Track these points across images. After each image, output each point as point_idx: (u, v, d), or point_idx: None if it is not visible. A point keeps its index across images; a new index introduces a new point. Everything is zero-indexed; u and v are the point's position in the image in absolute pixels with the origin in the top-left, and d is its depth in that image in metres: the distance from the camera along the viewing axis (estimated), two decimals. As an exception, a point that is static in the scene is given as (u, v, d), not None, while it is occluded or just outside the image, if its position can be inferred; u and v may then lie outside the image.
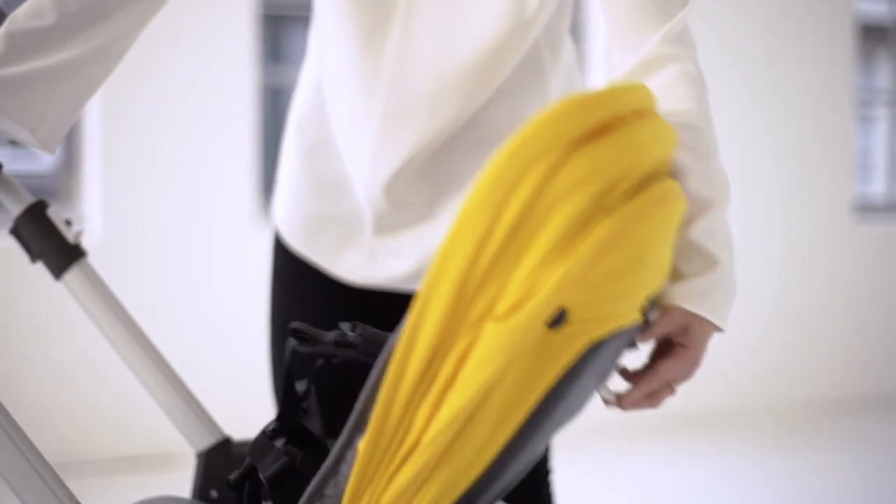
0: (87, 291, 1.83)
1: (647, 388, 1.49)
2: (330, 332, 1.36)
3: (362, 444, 1.23)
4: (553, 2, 1.79)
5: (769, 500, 4.79)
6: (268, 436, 1.49)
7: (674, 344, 1.49)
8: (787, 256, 6.24)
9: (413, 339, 1.21)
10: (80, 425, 4.93)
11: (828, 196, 6.36)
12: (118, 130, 5.01)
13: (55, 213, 1.84)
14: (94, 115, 5.00)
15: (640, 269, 1.30)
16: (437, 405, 1.22)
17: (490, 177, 1.20)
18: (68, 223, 1.85)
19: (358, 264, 1.97)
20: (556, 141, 1.21)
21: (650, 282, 1.34)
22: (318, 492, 1.27)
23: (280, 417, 1.55)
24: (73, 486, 1.43)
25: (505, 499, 1.47)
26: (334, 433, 1.38)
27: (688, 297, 1.48)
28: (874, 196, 7.09)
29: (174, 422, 1.84)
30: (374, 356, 1.29)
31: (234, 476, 1.53)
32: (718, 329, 1.51)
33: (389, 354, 1.23)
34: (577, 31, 5.93)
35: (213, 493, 1.80)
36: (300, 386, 1.56)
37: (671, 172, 1.42)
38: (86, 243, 1.90)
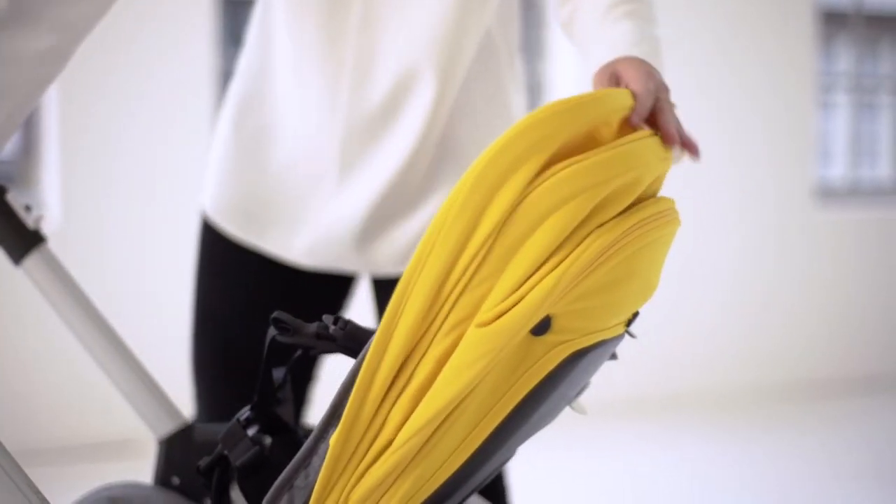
0: (47, 277, 1.81)
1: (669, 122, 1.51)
2: (311, 324, 1.35)
3: (333, 438, 1.22)
4: None
5: (728, 484, 4.82)
6: (241, 424, 1.48)
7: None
8: (747, 241, 6.26)
9: (387, 336, 1.20)
10: (39, 413, 4.90)
11: (789, 180, 6.38)
12: (77, 116, 4.98)
13: (14, 199, 1.82)
14: (53, 101, 4.96)
15: (630, 284, 1.29)
16: (413, 405, 1.21)
17: (473, 175, 1.19)
18: (28, 209, 1.83)
19: (310, 246, 1.98)
20: (542, 144, 1.20)
21: (638, 297, 1.34)
22: (288, 482, 1.26)
23: (255, 406, 1.54)
24: (32, 473, 1.42)
25: None
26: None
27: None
28: (834, 180, 7.12)
29: (135, 408, 1.83)
30: (354, 350, 1.29)
31: (203, 462, 1.53)
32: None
33: (366, 350, 1.22)
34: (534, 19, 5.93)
35: (175, 480, 1.79)
36: (277, 374, 1.56)
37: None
38: (45, 229, 1.89)
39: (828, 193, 6.82)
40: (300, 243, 2.00)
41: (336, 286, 2.09)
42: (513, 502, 2.11)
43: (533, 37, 6.02)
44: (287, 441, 1.54)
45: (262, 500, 1.27)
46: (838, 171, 7.34)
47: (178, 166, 5.14)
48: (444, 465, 1.25)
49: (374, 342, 1.20)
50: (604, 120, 1.30)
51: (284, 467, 1.27)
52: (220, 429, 1.53)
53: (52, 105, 4.98)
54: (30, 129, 5.14)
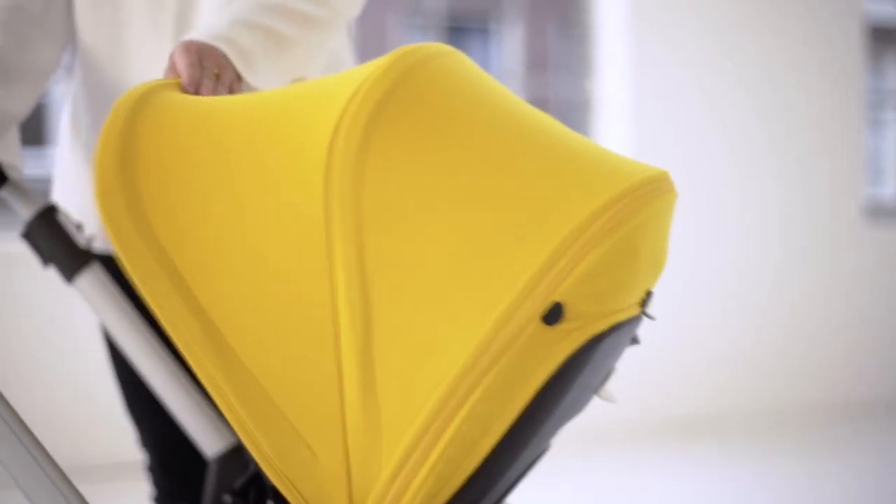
0: (99, 295, 1.83)
1: None
2: None
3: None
4: None
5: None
6: None
7: None
8: (794, 259, 6.23)
9: None
10: (89, 429, 4.93)
11: (838, 198, 6.35)
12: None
13: (65, 218, 1.84)
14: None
15: (636, 261, 1.30)
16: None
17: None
18: (79, 227, 1.85)
19: None
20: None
21: (648, 274, 1.34)
22: None
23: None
24: (83, 490, 1.43)
25: None
26: None
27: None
28: (885, 198, 7.08)
29: (187, 427, 1.83)
30: None
31: (238, 482, 1.54)
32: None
33: None
34: (583, 35, 5.94)
35: (227, 498, 1.80)
36: None
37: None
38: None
39: (878, 211, 6.78)
40: None
41: None
42: None
43: (580, 54, 6.02)
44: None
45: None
46: (889, 189, 7.30)
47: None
48: (464, 459, 1.26)
49: None
50: (149, 97, 1.42)
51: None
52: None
53: (103, 123, 5.02)
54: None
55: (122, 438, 5.00)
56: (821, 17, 6.19)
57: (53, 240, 1.82)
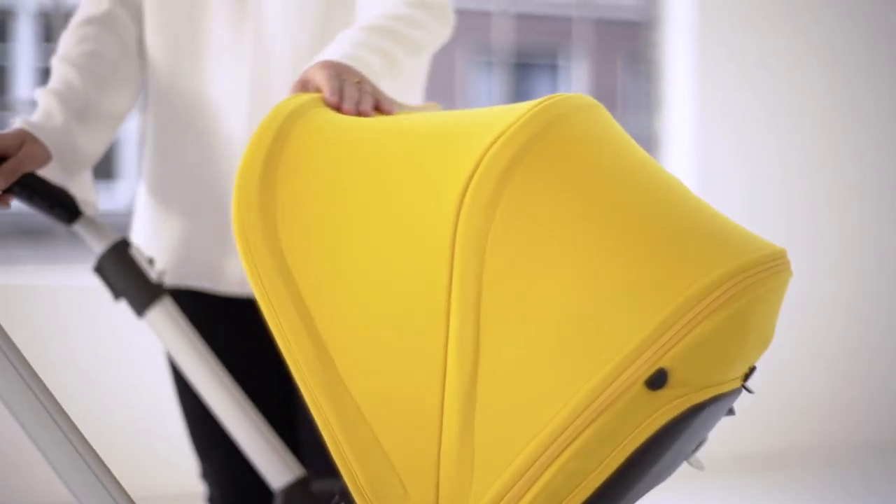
0: (169, 329, 1.85)
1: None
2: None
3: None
4: None
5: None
6: None
7: None
8: (864, 296, 6.17)
9: None
10: (154, 461, 4.96)
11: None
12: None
13: (137, 252, 1.87)
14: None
15: (745, 336, 1.29)
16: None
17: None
18: (151, 262, 1.87)
19: (241, 274, 1.99)
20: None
21: (754, 350, 1.34)
22: None
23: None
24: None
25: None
26: None
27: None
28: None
29: (253, 458, 1.85)
30: None
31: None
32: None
33: None
34: (651, 72, 5.93)
35: (292, 530, 1.81)
36: None
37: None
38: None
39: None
40: (233, 271, 2.03)
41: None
42: None
43: (647, 90, 6.02)
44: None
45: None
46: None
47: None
48: None
49: None
50: (295, 118, 1.44)
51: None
52: (336, 481, 1.55)
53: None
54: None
55: (181, 471, 5.03)
56: (892, 51, 6.15)
57: (125, 274, 1.85)
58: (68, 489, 1.44)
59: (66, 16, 2.07)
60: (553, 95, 1.36)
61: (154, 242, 2.01)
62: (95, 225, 1.89)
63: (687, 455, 1.40)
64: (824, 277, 5.99)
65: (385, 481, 1.30)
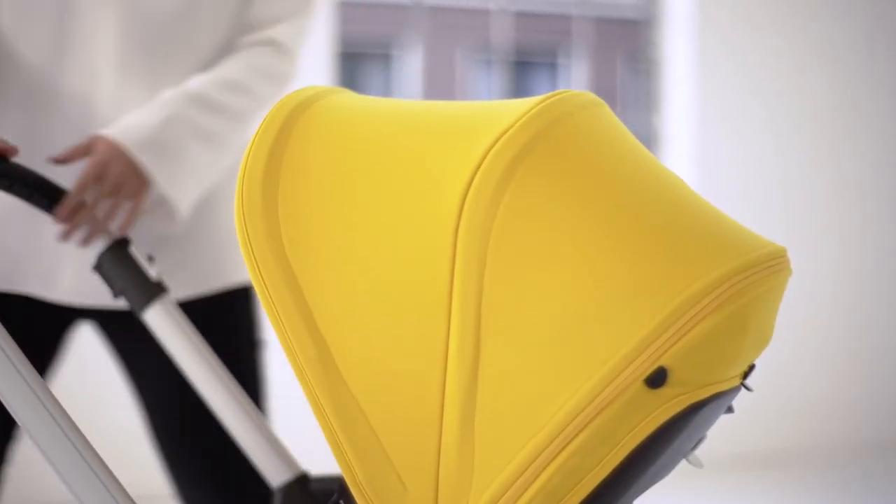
0: (168, 327, 1.85)
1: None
2: None
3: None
4: None
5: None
6: None
7: None
8: (865, 294, 6.18)
9: None
10: (154, 459, 4.96)
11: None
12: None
13: (137, 250, 1.87)
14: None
15: (745, 335, 1.29)
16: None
17: None
18: (150, 259, 1.88)
19: (74, 283, 2.02)
20: None
21: (753, 348, 1.34)
22: None
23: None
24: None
25: None
26: None
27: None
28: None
29: (253, 456, 1.85)
30: None
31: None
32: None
33: None
34: (649, 70, 5.94)
35: (292, 528, 1.81)
36: None
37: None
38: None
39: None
40: (65, 280, 2.04)
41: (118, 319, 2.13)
42: None
43: (647, 88, 6.02)
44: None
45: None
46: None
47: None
48: None
49: None
50: (299, 112, 1.43)
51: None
52: (334, 478, 1.55)
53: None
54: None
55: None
56: (891, 51, 6.16)
57: (125, 272, 1.85)
58: (67, 487, 1.44)
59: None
60: (557, 92, 1.36)
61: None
62: (94, 223, 1.89)
63: (686, 453, 1.41)
64: (823, 276, 6.00)
65: (384, 479, 1.30)
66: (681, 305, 1.24)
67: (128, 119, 1.89)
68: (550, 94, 1.35)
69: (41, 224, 1.97)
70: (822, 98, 5.99)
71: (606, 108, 1.42)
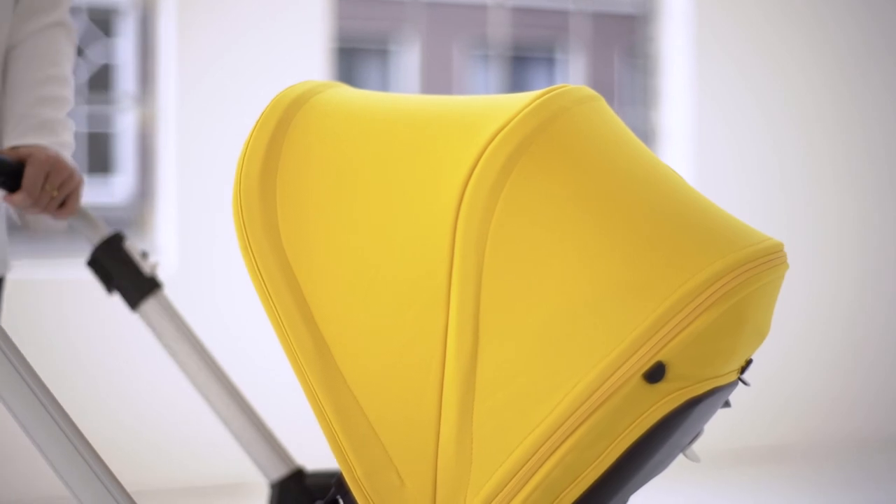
0: (163, 322, 1.85)
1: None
2: None
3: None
4: None
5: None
6: None
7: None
8: (866, 289, 6.18)
9: None
10: (151, 454, 4.96)
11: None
12: (193, 161, 5.06)
13: (132, 246, 1.87)
14: (170, 147, 5.05)
15: (742, 329, 1.30)
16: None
17: None
18: (144, 255, 1.87)
19: None
20: None
21: (751, 343, 1.34)
22: None
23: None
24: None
25: None
26: None
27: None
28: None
29: (248, 452, 1.85)
30: None
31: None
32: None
33: None
34: (648, 66, 5.94)
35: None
36: None
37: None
38: (161, 275, 1.92)
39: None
40: None
41: None
42: None
43: (645, 84, 6.02)
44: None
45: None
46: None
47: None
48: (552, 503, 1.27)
49: None
50: (297, 106, 1.44)
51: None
52: (330, 473, 1.55)
53: (170, 150, 5.06)
54: (147, 175, 5.22)
55: (177, 464, 5.04)
56: (888, 46, 6.16)
57: (119, 267, 1.84)
58: (63, 483, 1.44)
59: (73, 10, 2.06)
60: (555, 87, 1.36)
61: None
62: (89, 218, 1.88)
63: (683, 447, 1.41)
64: (823, 272, 5.99)
65: (382, 474, 1.30)
66: (679, 300, 1.25)
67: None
68: (548, 89, 1.35)
69: None
70: (819, 93, 5.98)
71: (604, 103, 1.42)
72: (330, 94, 1.47)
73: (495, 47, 6.24)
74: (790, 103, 5.86)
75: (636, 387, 1.24)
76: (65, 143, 1.93)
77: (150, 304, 1.84)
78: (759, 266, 1.30)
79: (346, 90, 1.51)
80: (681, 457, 1.44)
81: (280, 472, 1.83)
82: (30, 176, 1.80)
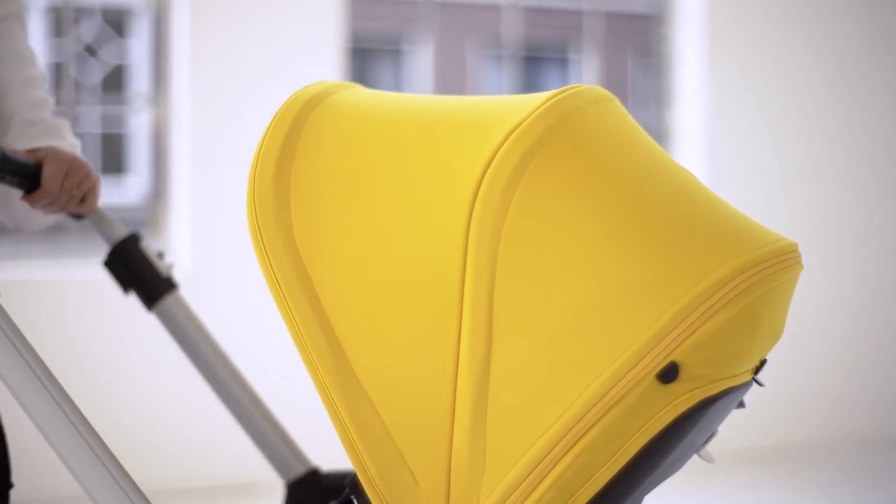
0: (179, 322, 1.86)
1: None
2: None
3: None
4: None
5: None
6: None
7: None
8: (875, 291, 6.16)
9: None
10: (166, 454, 4.97)
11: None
12: (207, 161, 5.07)
13: (148, 246, 1.87)
14: (183, 147, 5.05)
15: (757, 330, 1.30)
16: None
17: None
18: (160, 255, 1.88)
19: None
20: None
21: (765, 343, 1.34)
22: None
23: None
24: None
25: None
26: None
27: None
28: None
29: (263, 452, 1.85)
30: None
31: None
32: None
33: None
34: (661, 65, 5.93)
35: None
36: None
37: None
38: (176, 275, 1.93)
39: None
40: None
41: None
42: None
43: (659, 84, 6.02)
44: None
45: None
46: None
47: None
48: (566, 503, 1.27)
49: None
50: (311, 107, 1.44)
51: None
52: (345, 474, 1.55)
53: (183, 151, 5.07)
54: (160, 175, 5.23)
55: (187, 465, 5.04)
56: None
57: (136, 267, 1.85)
58: (80, 483, 1.44)
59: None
60: (568, 87, 1.36)
61: None
62: (105, 219, 1.89)
63: (697, 448, 1.41)
64: (822, 273, 5.98)
65: (396, 474, 1.31)
66: (693, 300, 1.25)
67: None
68: (562, 89, 1.35)
69: None
70: (834, 92, 5.98)
71: (617, 103, 1.42)
72: (344, 94, 1.47)
73: (508, 47, 6.23)
74: (805, 103, 5.85)
75: (650, 387, 1.24)
76: (74, 144, 1.95)
77: (166, 304, 1.85)
78: (774, 266, 1.30)
79: (360, 91, 1.51)
80: (693, 457, 1.44)
81: (295, 471, 1.83)
82: (49, 175, 1.82)
